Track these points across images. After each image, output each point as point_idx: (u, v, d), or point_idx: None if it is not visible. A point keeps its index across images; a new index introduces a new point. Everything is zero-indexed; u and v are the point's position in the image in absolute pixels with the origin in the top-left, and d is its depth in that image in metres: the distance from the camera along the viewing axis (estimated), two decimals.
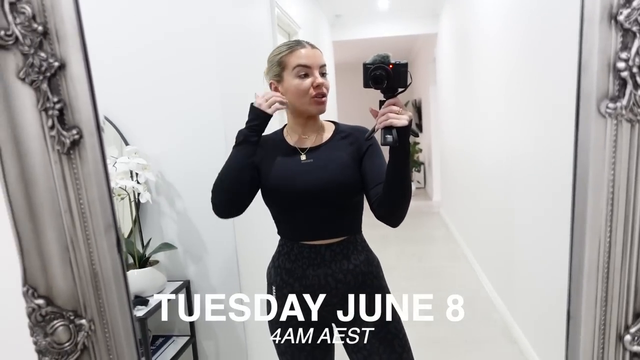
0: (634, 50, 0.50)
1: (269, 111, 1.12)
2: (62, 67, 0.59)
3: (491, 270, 3.15)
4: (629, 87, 0.51)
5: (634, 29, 0.50)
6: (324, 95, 1.14)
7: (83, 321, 0.65)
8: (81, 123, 0.60)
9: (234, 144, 1.18)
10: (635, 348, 0.56)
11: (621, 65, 0.50)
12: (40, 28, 0.57)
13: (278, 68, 1.16)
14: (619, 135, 0.52)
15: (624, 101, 0.51)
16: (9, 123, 0.58)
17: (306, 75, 1.12)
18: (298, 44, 1.15)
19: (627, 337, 0.56)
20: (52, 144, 0.60)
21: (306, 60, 1.12)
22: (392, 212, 1.10)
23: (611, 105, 0.52)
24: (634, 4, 0.50)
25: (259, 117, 1.13)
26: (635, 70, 0.50)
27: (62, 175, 0.61)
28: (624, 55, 0.50)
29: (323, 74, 1.15)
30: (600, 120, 0.52)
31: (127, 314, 0.66)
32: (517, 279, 2.50)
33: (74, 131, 0.60)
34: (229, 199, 1.17)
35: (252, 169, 1.16)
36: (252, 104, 1.16)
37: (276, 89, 1.18)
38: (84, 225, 0.62)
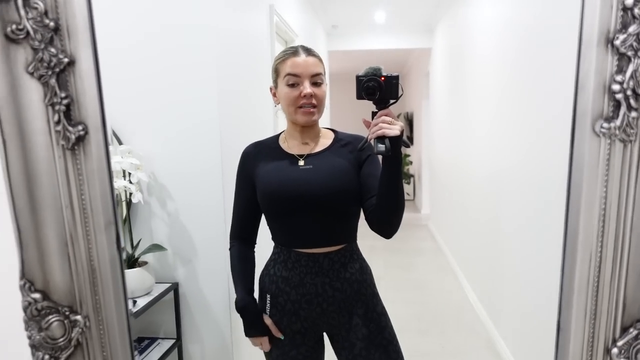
0: (628, 73, 0.52)
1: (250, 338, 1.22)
2: (71, 63, 0.59)
3: (477, 284, 3.18)
4: (623, 108, 0.53)
5: (629, 53, 0.52)
6: (314, 105, 1.13)
7: (78, 317, 0.64)
8: (87, 119, 0.60)
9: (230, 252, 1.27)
10: None
11: (616, 87, 0.53)
12: (52, 24, 0.58)
13: (274, 74, 1.18)
14: (612, 154, 0.54)
15: (618, 122, 0.53)
16: (15, 117, 0.59)
17: (295, 85, 1.12)
18: (294, 52, 1.14)
19: (615, 350, 0.58)
20: (57, 139, 0.60)
21: (295, 70, 1.12)
22: (386, 222, 1.11)
23: (605, 125, 0.54)
24: (630, 30, 0.52)
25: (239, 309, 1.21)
26: (629, 92, 0.52)
27: (65, 171, 0.61)
28: (618, 78, 0.53)
29: (315, 83, 1.13)
30: (594, 139, 0.54)
31: (122, 311, 0.66)
32: (502, 293, 2.53)
33: (80, 127, 0.60)
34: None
35: (245, 213, 1.25)
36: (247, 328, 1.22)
37: (274, 94, 1.20)
38: (84, 221, 0.62)
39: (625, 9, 0.53)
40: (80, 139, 0.61)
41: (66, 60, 0.59)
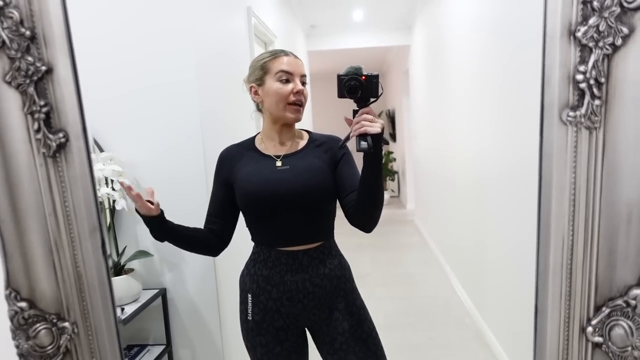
0: (590, 63, 0.55)
1: (141, 211, 1.16)
2: (49, 71, 0.59)
3: (464, 277, 3.23)
4: (587, 97, 0.56)
5: (590, 44, 0.55)
6: (302, 104, 1.18)
7: (66, 324, 0.65)
8: (67, 126, 0.61)
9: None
10: (597, 339, 0.61)
11: (580, 77, 0.55)
12: (27, 32, 0.58)
13: (260, 72, 1.19)
14: (579, 141, 0.57)
15: (583, 110, 0.56)
16: None
17: (287, 81, 1.16)
18: (282, 52, 1.19)
19: (589, 329, 0.61)
20: (38, 147, 0.60)
21: (289, 67, 1.16)
22: (366, 218, 1.14)
23: (571, 113, 0.56)
24: (590, 21, 0.55)
25: (143, 218, 1.18)
26: (592, 82, 0.55)
27: (47, 178, 0.61)
28: (582, 68, 0.55)
29: (303, 83, 1.19)
30: (562, 127, 0.57)
31: (110, 317, 0.67)
32: (488, 285, 2.58)
33: (60, 134, 0.61)
34: (205, 252, 1.31)
35: (217, 212, 1.26)
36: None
37: (255, 93, 1.20)
38: (68, 228, 0.63)
39: (585, 2, 0.55)
40: (62, 146, 0.61)
41: (44, 68, 0.59)
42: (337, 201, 1.21)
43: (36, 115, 0.60)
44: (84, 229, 0.63)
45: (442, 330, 2.77)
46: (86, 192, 0.63)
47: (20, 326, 0.63)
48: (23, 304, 0.63)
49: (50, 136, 0.61)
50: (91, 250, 0.64)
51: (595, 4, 0.53)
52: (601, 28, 0.54)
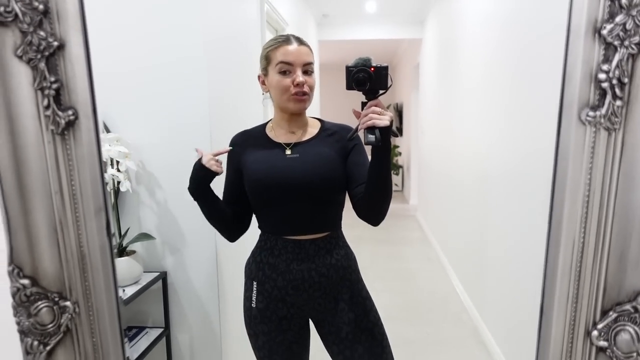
0: (614, 63, 0.53)
1: (214, 169, 1.16)
2: (61, 47, 0.58)
3: (463, 274, 3.23)
4: (608, 97, 0.54)
5: (616, 43, 0.53)
6: (305, 93, 1.14)
7: (68, 303, 0.64)
8: (77, 104, 0.60)
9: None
10: (601, 343, 0.60)
11: (602, 76, 0.54)
12: (41, 6, 0.57)
13: (265, 62, 1.17)
14: (597, 142, 0.56)
15: (603, 110, 0.55)
16: (3, 100, 0.58)
17: (288, 73, 1.13)
18: (286, 40, 1.15)
19: (595, 333, 0.60)
20: (47, 124, 0.59)
21: (288, 58, 1.12)
22: (374, 211, 1.13)
23: (591, 113, 0.55)
24: (617, 19, 0.53)
25: (200, 173, 1.17)
26: (614, 81, 0.54)
27: (54, 156, 0.61)
28: (605, 67, 0.54)
29: (307, 72, 1.14)
30: (580, 127, 0.56)
31: (112, 298, 0.66)
32: (487, 283, 2.57)
33: (70, 112, 0.60)
34: (226, 230, 1.27)
35: (232, 197, 1.24)
36: (198, 161, 1.19)
37: (263, 82, 1.19)
38: (74, 207, 0.62)
39: None
40: (70, 124, 0.61)
41: (56, 43, 0.58)
42: (345, 192, 1.19)
43: (46, 92, 0.59)
44: (89, 209, 0.63)
45: (439, 326, 2.77)
46: (93, 172, 0.62)
47: (22, 303, 0.63)
48: (25, 281, 0.62)
49: (60, 113, 0.60)
50: (96, 230, 0.63)
51: (623, 1, 0.52)
52: (628, 26, 0.52)
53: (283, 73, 1.13)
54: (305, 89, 1.14)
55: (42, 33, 0.57)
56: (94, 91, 0.60)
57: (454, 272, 3.49)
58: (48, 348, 0.65)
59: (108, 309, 0.66)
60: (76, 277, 0.64)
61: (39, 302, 0.64)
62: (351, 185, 1.16)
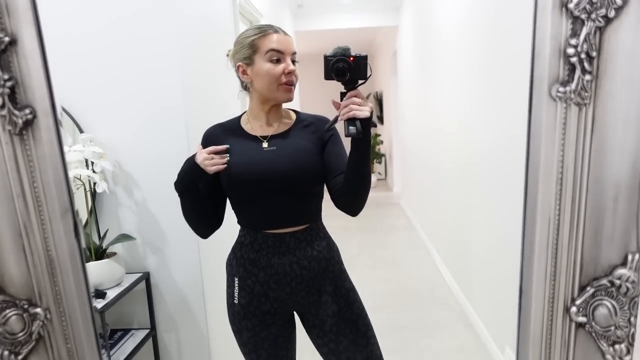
0: (582, 37, 0.53)
1: (208, 170, 1.12)
2: (13, 42, 0.56)
3: (449, 259, 3.26)
4: (578, 72, 0.54)
5: (583, 16, 0.53)
6: (293, 83, 1.14)
7: (38, 310, 0.62)
8: (35, 102, 0.57)
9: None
10: (580, 319, 0.60)
11: (571, 51, 0.53)
12: None
13: (249, 50, 1.13)
14: (568, 117, 0.55)
15: (573, 85, 0.54)
16: None
17: (278, 61, 1.11)
18: (271, 28, 1.13)
19: (573, 309, 0.60)
20: (3, 124, 0.57)
21: (280, 46, 1.11)
22: (353, 201, 1.12)
23: (561, 89, 0.55)
24: None
25: (193, 171, 1.13)
26: (583, 56, 0.53)
27: (14, 157, 0.58)
28: (573, 41, 0.53)
29: (294, 62, 1.14)
30: (551, 103, 0.55)
31: (85, 301, 0.64)
32: (473, 266, 2.60)
33: (27, 110, 0.57)
34: (204, 227, 1.23)
35: (207, 193, 1.19)
36: (192, 158, 1.14)
37: (244, 72, 1.16)
38: (38, 210, 0.60)
39: None
40: (29, 124, 0.58)
41: (7, 39, 0.56)
42: (323, 183, 1.18)
43: (0, 90, 0.56)
44: (54, 211, 0.60)
45: (427, 311, 2.80)
46: (56, 172, 0.59)
47: None
48: None
49: (16, 112, 0.57)
50: (63, 233, 0.61)
51: None
52: None
53: (274, 61, 1.11)
54: (294, 78, 1.14)
55: None
56: (52, 87, 0.58)
57: (440, 257, 3.52)
58: (20, 357, 0.62)
59: (81, 313, 0.64)
60: (45, 282, 0.62)
61: (7, 311, 0.61)
62: (329, 176, 1.15)
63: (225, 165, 1.12)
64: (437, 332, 2.54)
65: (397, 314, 2.74)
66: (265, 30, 1.13)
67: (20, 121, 0.57)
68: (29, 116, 0.58)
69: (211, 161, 1.11)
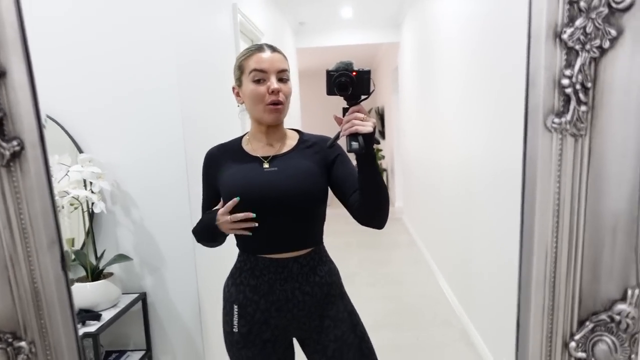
0: (576, 67, 0.52)
1: (225, 231, 1.13)
2: (1, 74, 0.55)
3: (451, 276, 3.22)
4: (573, 103, 0.53)
5: (577, 47, 0.52)
6: (280, 102, 1.11)
7: (22, 343, 0.61)
8: (23, 134, 0.57)
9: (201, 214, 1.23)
10: (580, 354, 0.58)
11: (565, 82, 0.52)
12: None
13: (238, 72, 1.14)
14: (564, 149, 0.54)
15: (568, 116, 0.53)
16: None
17: (262, 81, 1.10)
18: (258, 48, 1.12)
19: (572, 344, 0.58)
20: None
21: (262, 65, 1.09)
22: (374, 215, 1.09)
23: (556, 120, 0.54)
24: (577, 23, 0.52)
25: (214, 230, 1.13)
26: (578, 86, 0.52)
27: (0, 189, 0.57)
28: (567, 72, 0.52)
29: (281, 80, 1.11)
30: (546, 134, 0.54)
31: (71, 334, 0.63)
32: (475, 285, 2.57)
33: (15, 142, 0.57)
34: (212, 247, 1.26)
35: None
36: (213, 216, 1.13)
37: (237, 94, 1.16)
38: (24, 242, 0.59)
39: (571, 2, 0.52)
40: (16, 155, 0.57)
41: None
42: (326, 205, 1.17)
43: None
44: (41, 243, 0.59)
45: (428, 330, 2.76)
46: (44, 203, 0.59)
47: None
48: None
49: (4, 144, 0.56)
50: (50, 264, 0.60)
51: (582, 4, 0.50)
52: (588, 30, 0.51)
53: (257, 81, 1.09)
54: (281, 97, 1.10)
55: None
56: (40, 119, 0.57)
57: (442, 275, 3.49)
58: None
59: (67, 345, 0.63)
60: (31, 315, 0.61)
61: None
62: (346, 195, 1.12)
63: (250, 233, 1.11)
64: (438, 352, 2.50)
65: (398, 333, 2.70)
66: (251, 51, 1.12)
67: (7, 153, 0.57)
68: (17, 148, 0.57)
69: (230, 225, 1.09)
